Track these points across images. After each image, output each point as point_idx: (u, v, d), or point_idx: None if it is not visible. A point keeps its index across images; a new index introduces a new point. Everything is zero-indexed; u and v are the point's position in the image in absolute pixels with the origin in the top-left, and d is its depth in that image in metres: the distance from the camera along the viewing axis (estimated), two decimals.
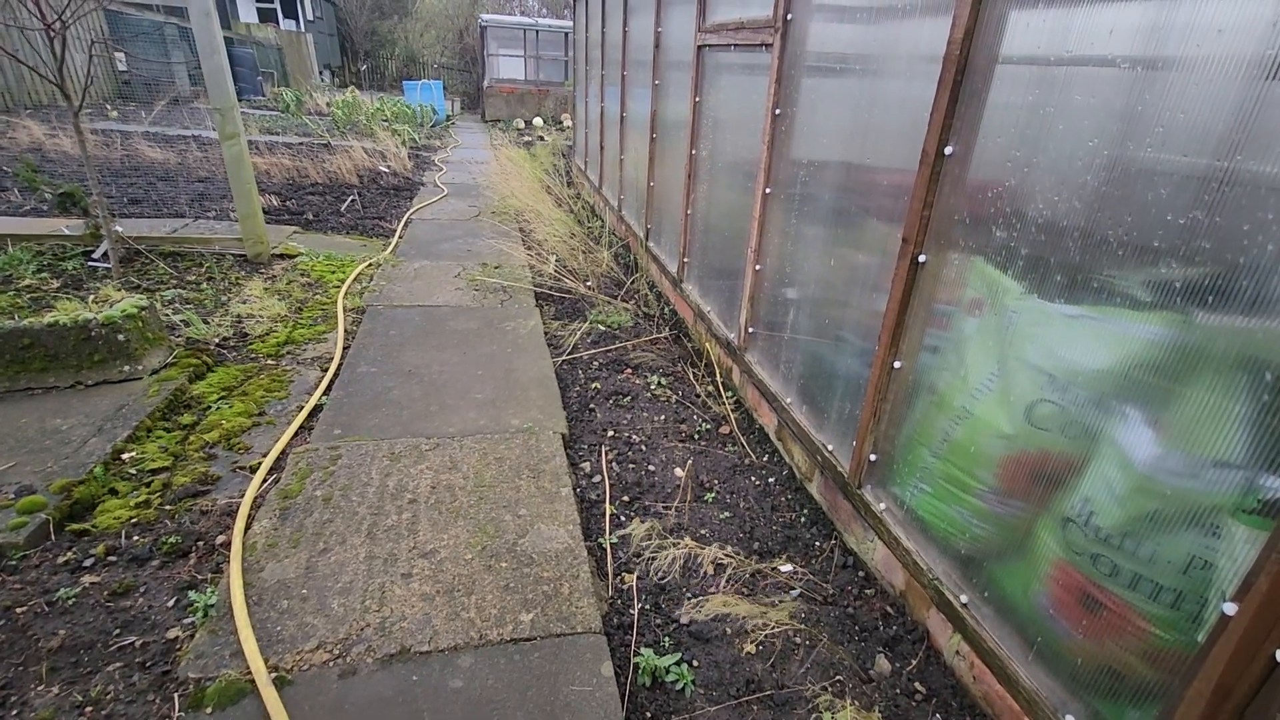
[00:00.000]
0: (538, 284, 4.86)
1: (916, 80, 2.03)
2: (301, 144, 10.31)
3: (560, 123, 18.81)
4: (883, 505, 2.19)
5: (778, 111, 2.85)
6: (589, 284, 5.04)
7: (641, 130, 5.30)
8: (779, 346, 3.02)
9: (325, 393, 3.01)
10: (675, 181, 4.48)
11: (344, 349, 3.46)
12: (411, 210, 6.72)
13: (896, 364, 2.11)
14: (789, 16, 2.71)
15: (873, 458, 2.26)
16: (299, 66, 24.14)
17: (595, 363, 3.73)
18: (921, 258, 1.96)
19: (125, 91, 14.92)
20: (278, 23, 27.56)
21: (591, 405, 3.25)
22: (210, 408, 2.80)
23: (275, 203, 6.36)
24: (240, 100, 18.45)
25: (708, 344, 3.85)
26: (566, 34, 19.37)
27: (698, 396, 3.46)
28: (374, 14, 29.90)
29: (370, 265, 4.84)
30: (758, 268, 3.15)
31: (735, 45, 3.26)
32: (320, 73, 26.63)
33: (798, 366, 2.84)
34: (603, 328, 4.21)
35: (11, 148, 8.12)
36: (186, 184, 7.11)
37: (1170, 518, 1.42)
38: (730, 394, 3.47)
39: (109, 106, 13.21)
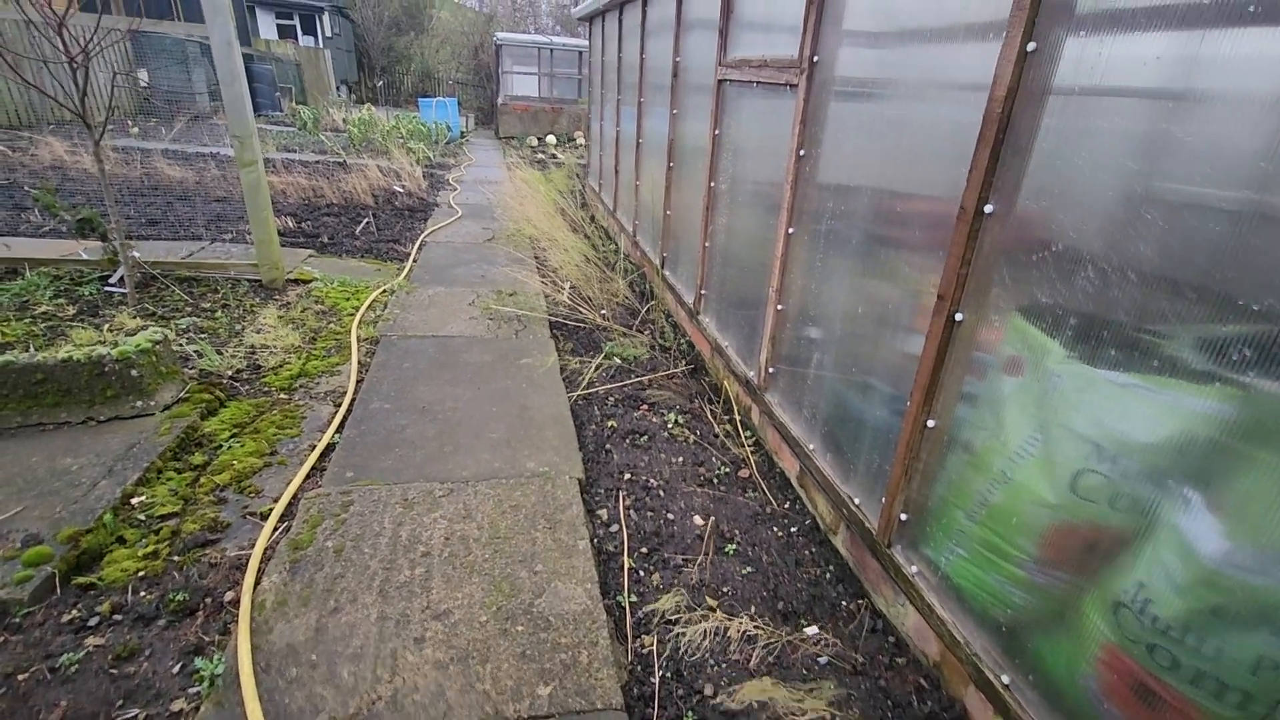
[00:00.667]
0: (552, 313, 4.82)
1: (947, 125, 1.97)
2: (318, 162, 10.40)
3: (573, 140, 18.92)
4: (915, 568, 2.10)
5: (802, 152, 2.79)
6: (604, 313, 4.99)
7: (658, 157, 5.27)
8: (801, 389, 2.94)
9: (338, 431, 2.96)
10: (693, 211, 4.43)
11: (357, 382, 3.42)
12: (426, 233, 6.72)
13: (930, 422, 2.03)
14: (815, 58, 2.66)
15: (903, 517, 2.18)
16: (316, 82, 24.50)
17: (611, 399, 3.67)
18: (958, 316, 1.89)
19: (147, 108, 15.16)
20: (297, 39, 28.04)
21: (608, 445, 3.18)
22: (222, 446, 2.75)
23: (291, 224, 6.38)
24: (259, 115, 18.76)
25: (726, 380, 3.78)
26: (581, 52, 19.52)
27: (716, 436, 3.38)
28: (391, 30, 30.36)
29: (384, 292, 4.82)
30: (779, 307, 3.08)
31: (758, 83, 3.21)
32: (337, 88, 27.02)
33: (822, 411, 2.76)
34: (619, 360, 4.15)
35: (34, 165, 8.22)
36: (204, 204, 7.16)
37: (1237, 615, 1.33)
38: (749, 434, 3.39)
39: (130, 123, 13.41)
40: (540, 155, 15.80)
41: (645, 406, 3.63)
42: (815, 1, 2.60)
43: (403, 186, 8.95)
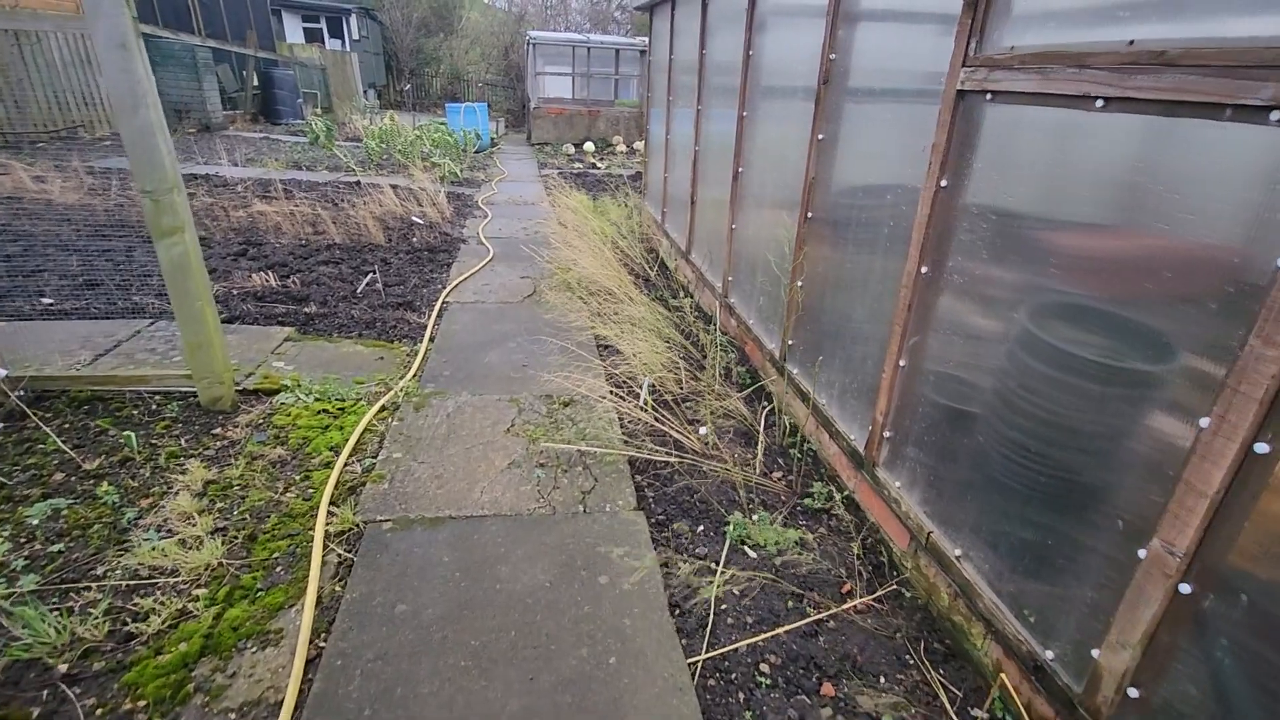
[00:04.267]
0: (630, 440, 3.20)
1: None
2: (327, 184, 8.96)
3: (611, 145, 17.34)
4: None
5: None
6: (703, 430, 3.37)
7: (781, 199, 3.61)
8: None
9: None
10: (866, 301, 2.76)
11: (307, 664, 1.84)
12: (449, 288, 5.16)
13: None
14: None
15: None
16: (343, 86, 23.45)
17: (763, 667, 2.03)
18: None
19: None
20: (323, 42, 27.04)
21: None
22: None
23: (273, 282, 4.88)
24: (278, 125, 17.55)
25: (975, 633, 2.09)
26: (618, 50, 17.99)
27: None
28: (420, 32, 29.24)
29: (384, 410, 3.25)
30: (1175, 552, 1.41)
31: (1115, 99, 1.53)
32: (365, 92, 25.95)
33: None
34: (752, 555, 2.52)
35: None
36: None
37: None
38: None
39: None
40: (577, 164, 14.25)
41: (829, 689, 1.99)
42: None
43: (422, 215, 7.44)
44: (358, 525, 2.40)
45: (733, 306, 4.50)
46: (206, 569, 2.12)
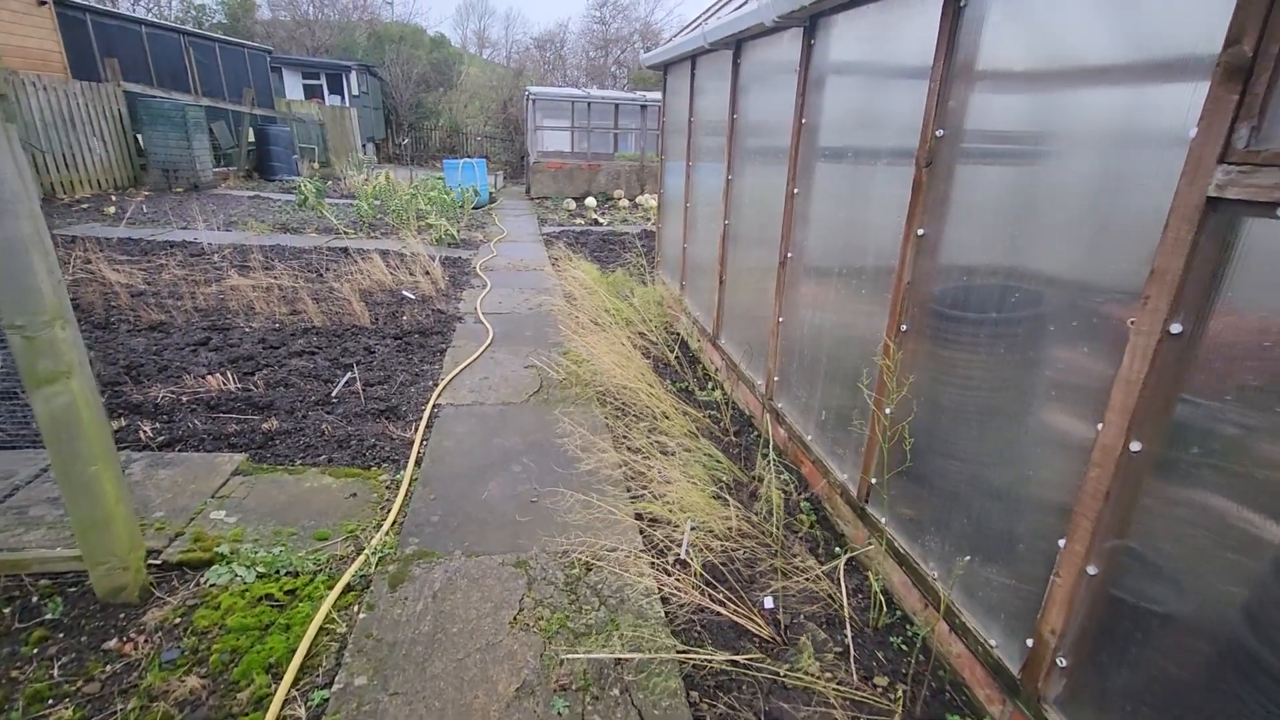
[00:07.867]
0: (676, 627, 2.39)
1: None
2: (313, 250, 8.32)
3: (613, 199, 16.93)
4: None
5: None
6: (768, 604, 2.57)
7: (857, 307, 2.90)
8: None
9: None
10: (1013, 461, 1.99)
11: None
12: (441, 384, 4.41)
13: None
14: None
15: None
16: (341, 141, 23.32)
17: None
18: None
19: (142, 178, 13.50)
20: (323, 98, 27.10)
21: None
22: None
23: (233, 384, 4.12)
24: (272, 180, 17.12)
25: None
26: (617, 105, 17.80)
27: None
28: (420, 87, 29.43)
29: (349, 591, 2.44)
30: None
31: None
32: (364, 146, 25.84)
33: None
34: None
35: None
36: (128, 335, 4.99)
37: None
38: None
39: (113, 197, 11.64)
40: (579, 220, 13.74)
41: None
42: None
43: (414, 288, 6.75)
44: None
45: (781, 413, 3.74)
46: None
